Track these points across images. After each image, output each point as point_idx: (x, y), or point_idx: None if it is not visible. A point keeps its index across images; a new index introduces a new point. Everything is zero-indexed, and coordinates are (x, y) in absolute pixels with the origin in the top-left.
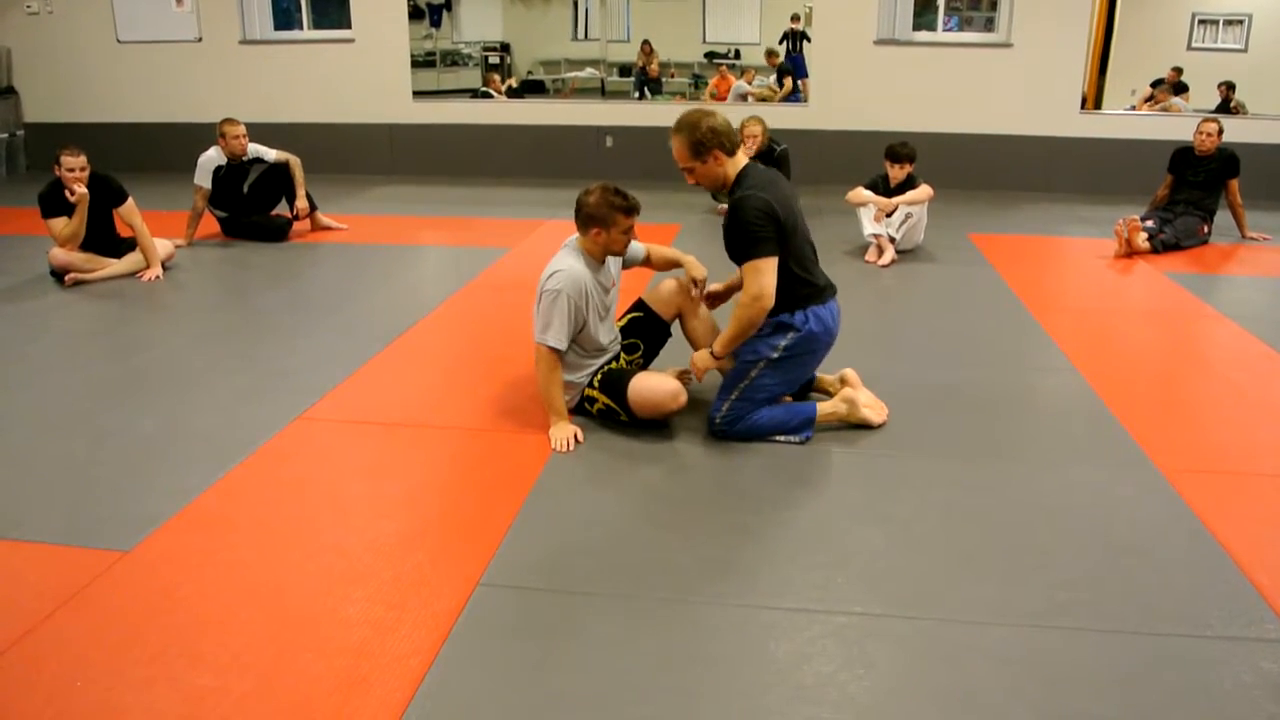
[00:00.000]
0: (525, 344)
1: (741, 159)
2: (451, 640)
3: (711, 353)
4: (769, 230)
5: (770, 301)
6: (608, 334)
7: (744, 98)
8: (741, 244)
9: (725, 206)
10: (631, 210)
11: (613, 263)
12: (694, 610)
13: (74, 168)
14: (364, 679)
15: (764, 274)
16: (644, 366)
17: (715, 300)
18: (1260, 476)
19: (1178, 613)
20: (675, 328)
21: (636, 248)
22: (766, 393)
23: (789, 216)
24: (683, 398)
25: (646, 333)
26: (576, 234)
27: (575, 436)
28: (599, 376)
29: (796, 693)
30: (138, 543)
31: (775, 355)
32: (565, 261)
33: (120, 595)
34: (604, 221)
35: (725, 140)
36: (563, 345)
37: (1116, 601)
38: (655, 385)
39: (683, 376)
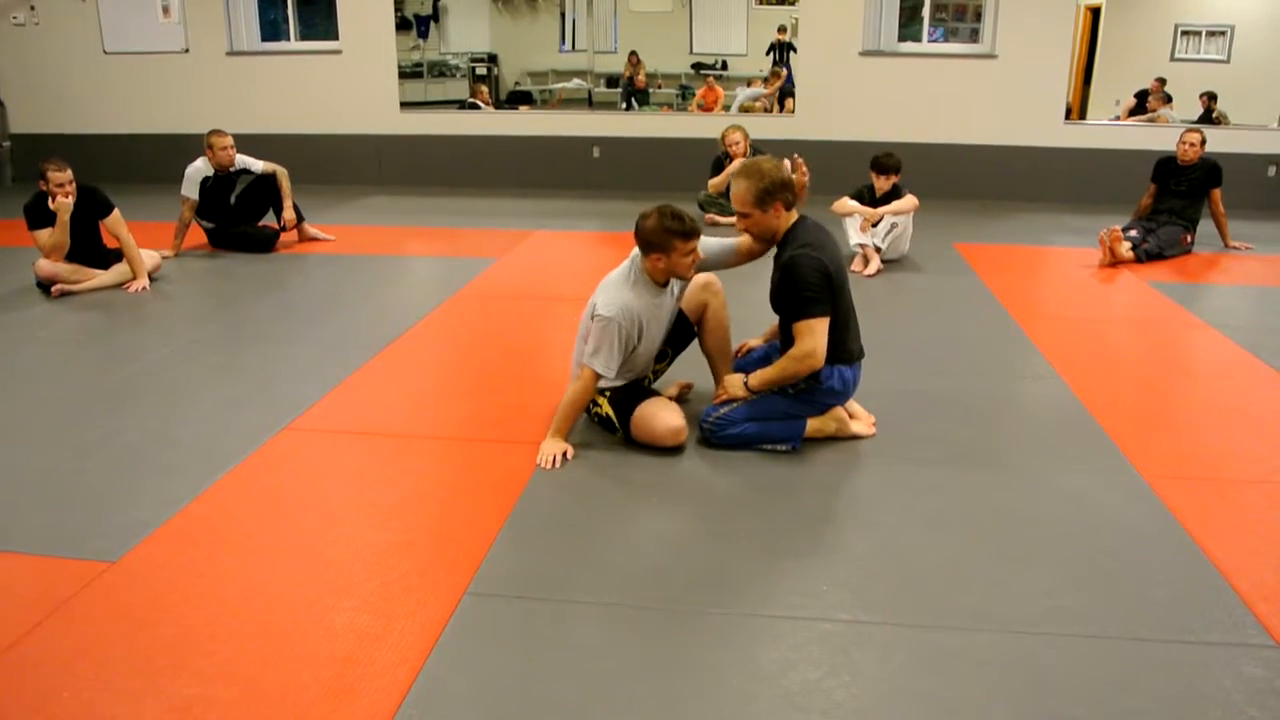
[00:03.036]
0: (513, 353)
1: (795, 214)
2: (439, 649)
3: (746, 384)
4: (823, 291)
5: (820, 361)
6: (652, 356)
7: (727, 107)
8: (797, 303)
9: (711, 216)
10: (689, 234)
11: (676, 283)
12: (680, 618)
13: (61, 182)
14: (351, 688)
15: (817, 335)
16: (666, 370)
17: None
18: (1242, 483)
19: (1161, 618)
20: None
21: (723, 247)
22: (765, 411)
23: (838, 276)
24: (683, 436)
25: (675, 337)
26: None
27: (565, 454)
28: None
29: (783, 700)
30: (125, 553)
31: (790, 391)
32: (619, 290)
33: (107, 605)
34: (663, 248)
35: (788, 195)
36: (611, 373)
37: (1100, 608)
38: (661, 419)
39: (684, 390)
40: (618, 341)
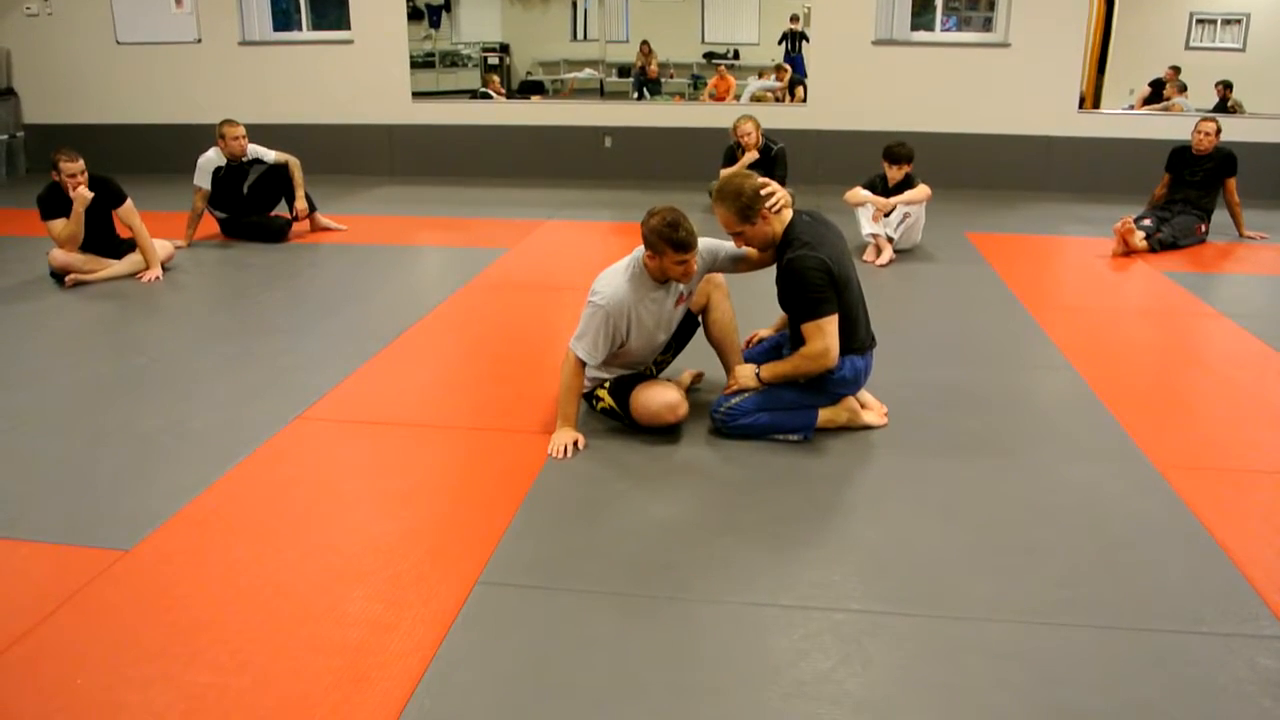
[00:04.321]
0: (524, 343)
1: (787, 214)
2: (450, 638)
3: (758, 375)
4: (828, 290)
5: (834, 360)
6: (651, 352)
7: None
8: (804, 305)
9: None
10: (681, 246)
11: (681, 285)
12: (692, 607)
13: (74, 173)
14: (363, 676)
15: (828, 334)
16: (671, 361)
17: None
18: (1256, 473)
19: (1173, 609)
20: None
21: (731, 254)
22: (776, 402)
23: (841, 270)
24: (681, 409)
25: (678, 331)
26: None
27: (576, 444)
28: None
29: (794, 689)
30: (138, 542)
31: (801, 381)
32: (615, 279)
33: (120, 594)
34: (656, 249)
35: (767, 199)
36: (593, 360)
37: (1112, 598)
38: (655, 396)
39: (696, 379)
40: (603, 329)
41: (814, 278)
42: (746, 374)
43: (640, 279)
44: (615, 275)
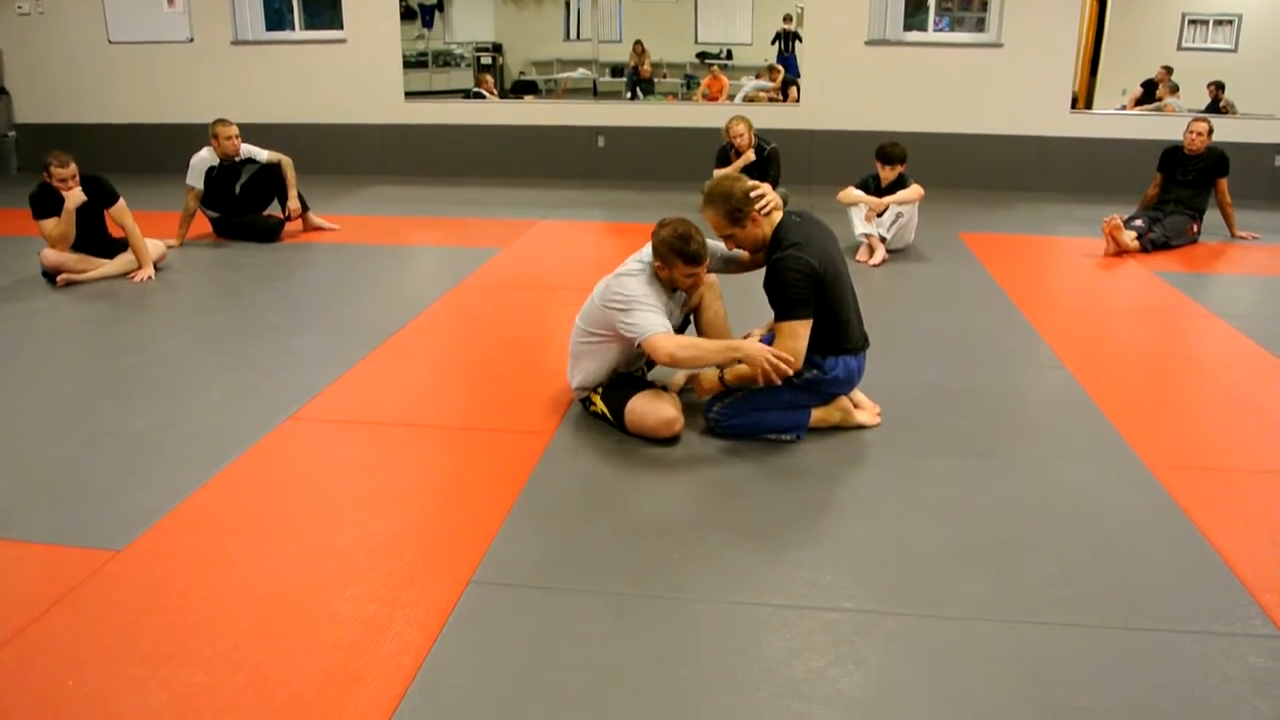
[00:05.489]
0: (517, 342)
1: (776, 216)
2: (443, 638)
3: (721, 379)
4: (807, 293)
5: (800, 364)
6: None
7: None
8: (780, 305)
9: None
10: (693, 259)
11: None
12: (685, 607)
13: (64, 178)
14: (356, 676)
15: (799, 337)
16: (654, 366)
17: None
18: (1247, 473)
19: (1164, 608)
20: None
21: (725, 257)
22: (770, 401)
23: (829, 270)
24: (677, 425)
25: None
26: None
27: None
28: (604, 382)
29: (787, 688)
30: (130, 542)
31: (795, 380)
32: (634, 285)
33: (112, 594)
34: (666, 260)
35: (757, 203)
36: (668, 325)
37: (1103, 597)
38: (652, 410)
39: (690, 380)
40: (649, 301)
41: (794, 279)
42: (710, 378)
43: (654, 284)
44: (631, 280)
